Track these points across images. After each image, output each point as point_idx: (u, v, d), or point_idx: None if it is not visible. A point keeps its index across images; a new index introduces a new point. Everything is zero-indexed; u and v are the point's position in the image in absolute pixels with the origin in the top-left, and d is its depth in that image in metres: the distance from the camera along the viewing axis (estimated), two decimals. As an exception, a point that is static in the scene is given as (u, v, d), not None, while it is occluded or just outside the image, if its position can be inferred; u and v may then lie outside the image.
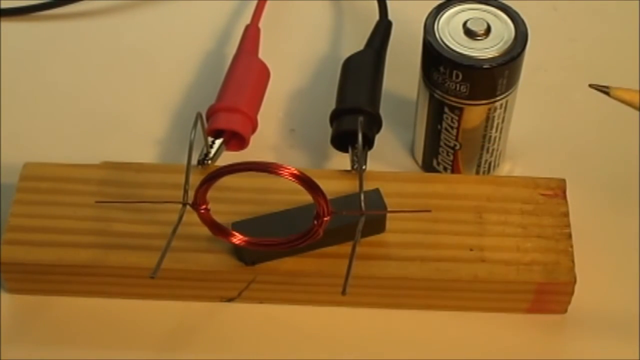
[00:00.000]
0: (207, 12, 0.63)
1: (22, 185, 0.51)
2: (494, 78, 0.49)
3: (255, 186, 0.50)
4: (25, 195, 0.50)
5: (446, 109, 0.51)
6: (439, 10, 0.50)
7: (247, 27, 0.59)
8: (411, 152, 0.56)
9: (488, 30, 0.49)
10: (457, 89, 0.49)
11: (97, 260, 0.48)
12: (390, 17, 0.59)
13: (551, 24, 0.62)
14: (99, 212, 0.49)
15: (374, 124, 0.53)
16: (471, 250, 0.49)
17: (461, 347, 0.49)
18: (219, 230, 0.47)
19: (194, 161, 0.50)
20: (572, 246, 0.49)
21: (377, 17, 0.59)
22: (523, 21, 0.49)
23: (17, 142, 0.56)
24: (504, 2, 0.50)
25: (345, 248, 0.47)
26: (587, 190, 0.53)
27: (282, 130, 0.57)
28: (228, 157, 0.52)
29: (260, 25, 0.59)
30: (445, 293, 0.49)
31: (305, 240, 0.46)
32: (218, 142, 0.53)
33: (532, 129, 0.57)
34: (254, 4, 0.60)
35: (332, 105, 0.54)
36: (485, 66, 0.48)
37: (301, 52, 0.61)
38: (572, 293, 0.48)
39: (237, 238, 0.47)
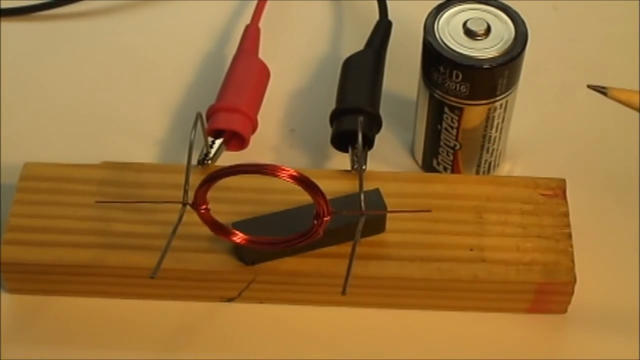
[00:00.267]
0: (207, 12, 0.63)
1: (22, 185, 0.51)
2: (494, 78, 0.49)
3: (256, 186, 0.50)
4: (25, 195, 0.50)
5: (446, 109, 0.51)
6: (439, 10, 0.50)
7: (247, 27, 0.59)
8: (411, 152, 0.56)
9: (488, 30, 0.49)
10: (457, 89, 0.49)
11: (97, 260, 0.48)
12: (390, 17, 0.59)
13: (551, 24, 0.62)
14: (99, 212, 0.49)
15: (374, 124, 0.53)
16: (471, 250, 0.49)
17: (461, 347, 0.49)
18: (219, 229, 0.47)
19: (194, 161, 0.50)
20: (572, 246, 0.49)
21: (377, 17, 0.59)
22: (523, 21, 0.49)
23: (17, 142, 0.56)
24: (504, 2, 0.50)
25: (345, 248, 0.47)
26: (587, 190, 0.53)
27: (282, 130, 0.57)
28: (228, 157, 0.52)
29: (260, 25, 0.59)
30: (445, 293, 0.49)
31: (305, 240, 0.46)
32: (218, 142, 0.53)
33: (532, 129, 0.57)
34: (254, 4, 0.60)
35: (332, 105, 0.54)
36: (485, 66, 0.48)
37: (301, 52, 0.61)
38: (572, 293, 0.48)
39: (238, 237, 0.47)
